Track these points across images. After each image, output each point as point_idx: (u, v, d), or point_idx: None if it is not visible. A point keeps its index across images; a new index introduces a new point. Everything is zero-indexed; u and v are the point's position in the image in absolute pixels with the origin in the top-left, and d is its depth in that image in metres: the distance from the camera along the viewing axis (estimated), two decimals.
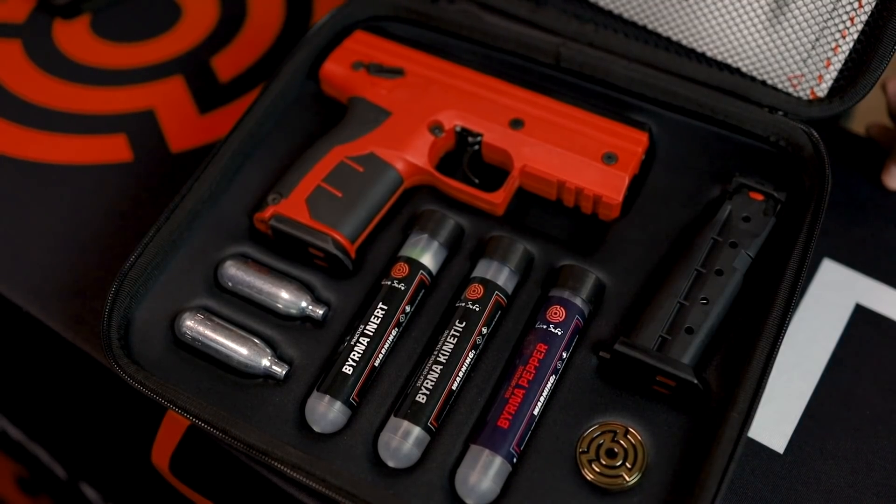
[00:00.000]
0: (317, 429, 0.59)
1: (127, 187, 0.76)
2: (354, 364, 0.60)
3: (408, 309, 0.63)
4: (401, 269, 0.64)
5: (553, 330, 0.61)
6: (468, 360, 0.61)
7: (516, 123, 0.68)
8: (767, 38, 0.67)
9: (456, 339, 0.61)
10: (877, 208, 0.73)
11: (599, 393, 0.60)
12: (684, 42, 0.70)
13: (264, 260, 0.66)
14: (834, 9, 0.64)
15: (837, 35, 0.65)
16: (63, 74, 0.84)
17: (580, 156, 0.67)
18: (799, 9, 0.65)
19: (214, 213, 0.67)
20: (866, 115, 1.04)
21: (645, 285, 0.63)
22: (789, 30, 0.66)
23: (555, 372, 0.60)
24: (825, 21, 0.65)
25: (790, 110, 0.67)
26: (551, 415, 0.59)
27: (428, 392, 0.59)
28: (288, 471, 0.57)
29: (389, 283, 0.63)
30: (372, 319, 0.62)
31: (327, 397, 0.59)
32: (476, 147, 0.69)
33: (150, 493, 0.82)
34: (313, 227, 0.64)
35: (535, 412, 0.59)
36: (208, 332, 0.62)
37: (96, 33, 0.87)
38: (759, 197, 0.65)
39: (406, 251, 0.65)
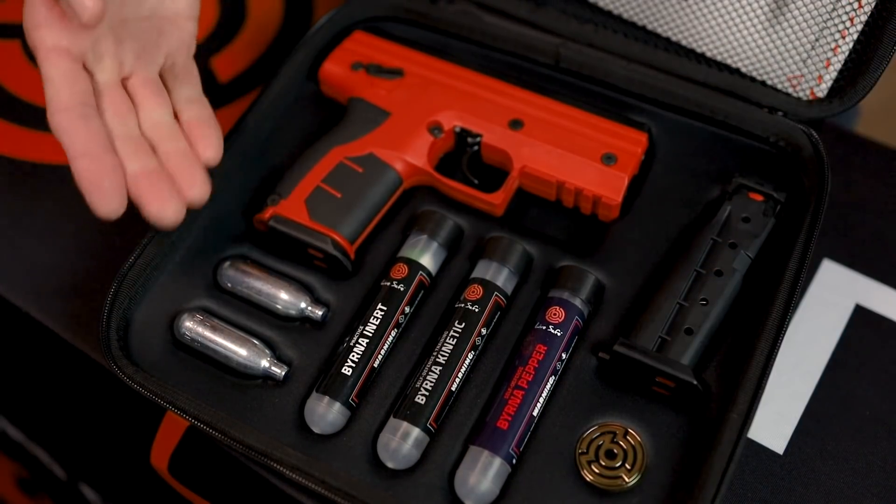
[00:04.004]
0: (316, 430, 0.59)
1: None
2: (354, 365, 0.60)
3: (407, 310, 0.63)
4: (400, 270, 0.63)
5: (552, 331, 0.60)
6: (467, 361, 0.61)
7: (516, 124, 0.68)
8: (767, 39, 0.67)
9: (455, 339, 0.61)
10: (877, 208, 0.73)
11: (599, 394, 0.60)
12: (684, 42, 0.70)
13: (263, 261, 0.66)
14: (834, 9, 0.64)
15: (837, 35, 0.64)
16: None
17: (579, 156, 0.66)
18: (798, 9, 0.65)
19: (214, 214, 0.67)
20: (867, 115, 1.04)
21: (644, 286, 0.63)
22: (789, 30, 0.66)
23: (554, 373, 0.60)
24: (825, 21, 0.65)
25: (790, 111, 0.67)
26: (551, 416, 0.59)
27: (427, 393, 0.59)
28: (287, 472, 0.57)
29: (389, 283, 0.63)
30: (371, 320, 0.61)
31: (326, 398, 0.59)
32: (475, 147, 0.69)
33: (149, 494, 0.82)
34: (312, 228, 0.64)
35: (535, 413, 0.59)
36: (207, 333, 0.62)
37: None
38: (759, 197, 0.65)
39: (405, 252, 0.65)
